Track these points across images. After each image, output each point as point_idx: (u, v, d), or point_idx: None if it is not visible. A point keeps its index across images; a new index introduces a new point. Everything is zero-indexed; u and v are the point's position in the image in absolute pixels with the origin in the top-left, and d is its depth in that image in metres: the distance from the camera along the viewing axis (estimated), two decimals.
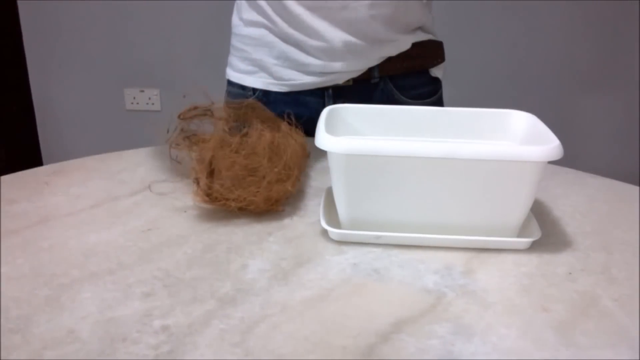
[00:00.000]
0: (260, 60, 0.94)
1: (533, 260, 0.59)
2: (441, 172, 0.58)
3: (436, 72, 0.97)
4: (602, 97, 2.16)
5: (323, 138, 0.59)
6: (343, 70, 0.90)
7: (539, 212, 0.68)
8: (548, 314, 0.50)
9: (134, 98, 2.29)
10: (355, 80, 0.92)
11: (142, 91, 2.28)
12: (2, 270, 0.55)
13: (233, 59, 1.00)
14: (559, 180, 0.79)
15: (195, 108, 0.76)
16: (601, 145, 2.21)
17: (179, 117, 0.76)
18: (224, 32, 2.30)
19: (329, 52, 0.88)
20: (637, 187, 0.76)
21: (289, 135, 0.72)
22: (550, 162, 0.57)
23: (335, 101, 0.93)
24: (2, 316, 0.48)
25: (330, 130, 0.61)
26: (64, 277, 0.54)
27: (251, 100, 0.81)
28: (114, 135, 2.35)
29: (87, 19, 2.20)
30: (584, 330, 0.48)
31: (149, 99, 2.29)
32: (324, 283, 0.54)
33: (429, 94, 0.98)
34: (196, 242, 0.61)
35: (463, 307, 0.51)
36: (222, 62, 2.41)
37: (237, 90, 0.99)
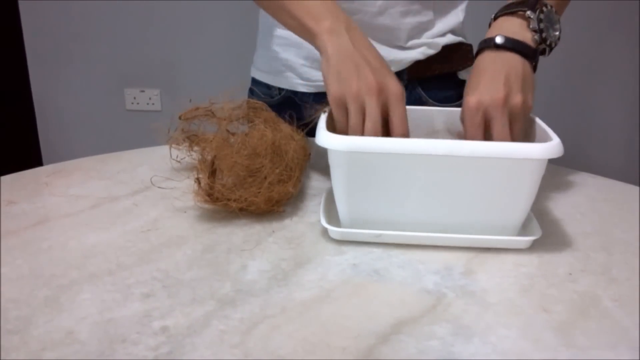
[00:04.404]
0: (288, 60, 0.93)
1: (533, 261, 0.59)
2: (441, 170, 0.57)
3: (464, 75, 0.95)
4: (602, 97, 2.15)
5: (324, 136, 0.59)
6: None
7: (539, 212, 0.68)
8: (548, 315, 0.50)
9: (135, 98, 2.29)
10: None
11: (143, 91, 2.28)
12: (1, 271, 0.55)
13: (259, 58, 0.99)
14: (559, 180, 0.79)
15: (197, 109, 0.76)
16: (601, 145, 2.21)
17: (180, 117, 0.77)
18: (225, 32, 2.30)
19: None
20: (637, 187, 0.76)
21: (290, 136, 0.72)
22: (550, 162, 0.57)
23: None
24: (1, 317, 0.48)
25: (331, 129, 0.61)
26: (63, 278, 0.54)
27: (253, 100, 0.80)
28: (114, 135, 2.35)
29: (88, 19, 2.20)
30: (584, 330, 0.48)
31: (150, 99, 2.29)
32: (323, 284, 0.54)
33: (456, 97, 0.96)
34: (196, 243, 0.61)
35: (463, 307, 0.51)
36: (222, 62, 2.40)
37: (263, 90, 0.99)
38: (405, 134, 0.64)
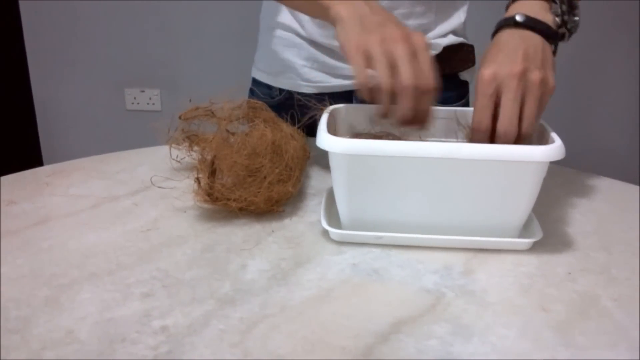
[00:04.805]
0: (289, 61, 0.93)
1: (533, 260, 0.59)
2: (442, 172, 0.57)
3: (465, 75, 0.95)
4: (602, 96, 2.15)
5: (324, 138, 0.59)
6: (372, 74, 0.89)
7: (538, 212, 0.68)
8: (547, 314, 0.50)
9: (135, 98, 2.29)
10: None
11: (143, 91, 2.29)
12: (1, 271, 0.55)
13: (260, 58, 1.00)
14: (559, 180, 0.79)
15: (197, 108, 0.76)
16: (601, 145, 2.20)
17: (180, 117, 0.77)
18: (225, 32, 2.29)
19: None
20: (637, 187, 0.76)
21: (290, 136, 0.72)
22: (550, 162, 0.57)
23: (363, 104, 0.92)
24: (1, 316, 0.48)
25: (332, 130, 0.61)
26: (63, 278, 0.54)
27: (253, 100, 0.80)
28: (114, 135, 2.35)
29: (88, 19, 2.20)
30: (584, 330, 0.48)
31: (150, 99, 2.29)
32: (323, 283, 0.54)
33: (457, 97, 0.96)
34: (196, 243, 0.61)
35: (462, 307, 0.51)
36: (222, 62, 2.40)
37: (263, 90, 0.99)
38: (433, 86, 0.59)
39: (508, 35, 0.65)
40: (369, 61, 0.60)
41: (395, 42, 0.59)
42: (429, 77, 0.59)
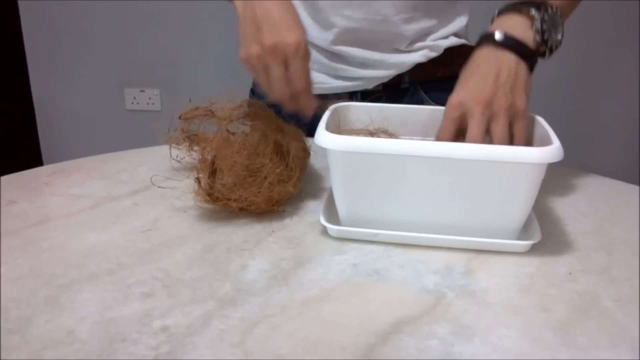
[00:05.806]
0: None
1: (533, 261, 0.59)
2: (439, 171, 0.57)
3: None
4: (602, 96, 2.15)
5: (322, 136, 0.59)
6: (373, 76, 0.89)
7: (539, 212, 0.68)
8: (548, 314, 0.50)
9: (134, 98, 2.29)
10: (385, 85, 0.91)
11: (143, 91, 2.28)
12: (1, 271, 0.55)
13: None
14: (559, 180, 0.79)
15: (197, 108, 0.76)
16: (601, 145, 2.21)
17: (179, 117, 0.76)
18: (225, 32, 2.29)
19: (360, 60, 0.88)
20: (637, 187, 0.76)
21: (290, 136, 0.72)
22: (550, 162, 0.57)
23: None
24: (1, 316, 0.48)
25: (334, 129, 0.61)
26: (63, 278, 0.54)
27: (253, 100, 0.80)
28: (114, 135, 2.35)
29: (88, 19, 2.20)
30: (584, 330, 0.48)
31: (149, 98, 2.29)
32: (324, 283, 0.54)
33: None
34: (196, 243, 0.61)
35: (463, 307, 0.51)
36: (222, 62, 2.40)
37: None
38: (305, 89, 0.66)
39: (484, 56, 0.67)
40: (254, 72, 0.67)
41: (268, 54, 0.64)
42: (299, 81, 0.65)
